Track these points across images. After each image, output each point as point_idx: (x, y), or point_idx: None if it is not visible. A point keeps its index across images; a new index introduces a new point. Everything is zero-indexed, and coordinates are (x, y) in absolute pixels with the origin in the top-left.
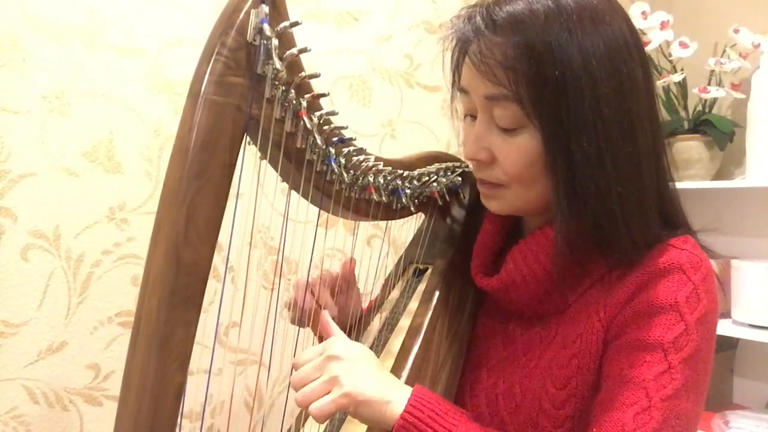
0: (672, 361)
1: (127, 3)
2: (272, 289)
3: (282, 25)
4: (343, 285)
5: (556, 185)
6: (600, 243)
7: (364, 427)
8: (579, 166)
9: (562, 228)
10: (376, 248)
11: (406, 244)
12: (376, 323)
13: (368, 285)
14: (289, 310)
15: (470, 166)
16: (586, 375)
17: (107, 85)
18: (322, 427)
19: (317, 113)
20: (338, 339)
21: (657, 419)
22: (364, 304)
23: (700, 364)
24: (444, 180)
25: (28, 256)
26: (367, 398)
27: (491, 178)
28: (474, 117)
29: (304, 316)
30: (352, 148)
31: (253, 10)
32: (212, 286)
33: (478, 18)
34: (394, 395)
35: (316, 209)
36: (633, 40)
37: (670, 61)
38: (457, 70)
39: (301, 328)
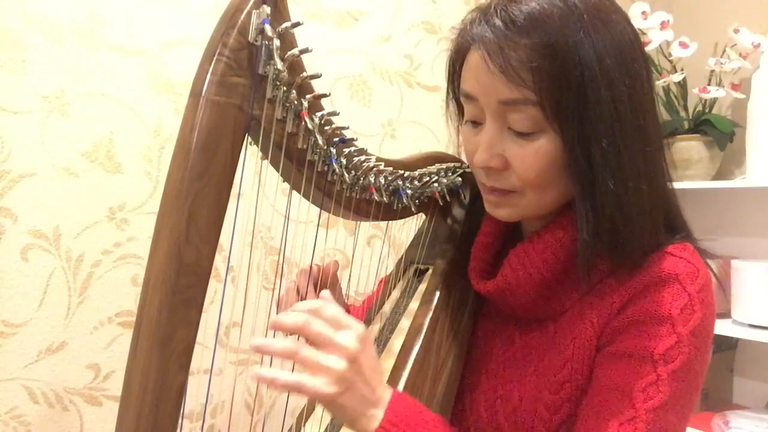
0: (661, 373)
1: (127, 3)
2: (272, 290)
3: (283, 25)
4: (326, 284)
5: (577, 187)
6: (613, 245)
7: None
8: (598, 167)
9: (585, 230)
10: (375, 248)
11: (406, 245)
12: (377, 323)
13: (369, 285)
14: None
15: (477, 173)
16: (580, 380)
17: (107, 85)
18: (323, 427)
19: (318, 114)
20: (362, 334)
21: (641, 430)
22: (356, 303)
23: (690, 376)
24: (445, 180)
25: (28, 256)
26: (346, 410)
27: (505, 185)
28: (476, 123)
29: None
30: (353, 149)
31: (254, 11)
32: (212, 286)
33: (497, 19)
34: (372, 411)
35: (316, 209)
36: (636, 39)
37: (670, 61)
38: (457, 74)
39: None
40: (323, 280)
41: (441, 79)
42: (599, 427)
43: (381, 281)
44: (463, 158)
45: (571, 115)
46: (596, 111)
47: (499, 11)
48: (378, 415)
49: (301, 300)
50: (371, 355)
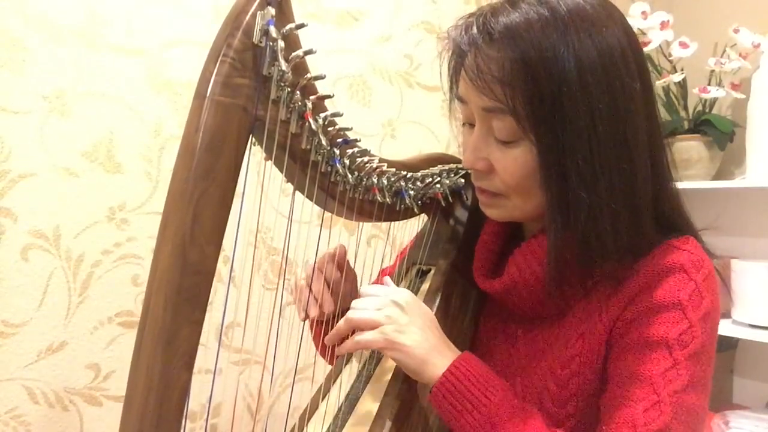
0: (677, 357)
1: (127, 3)
2: (273, 290)
3: (288, 26)
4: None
5: (548, 199)
6: (585, 258)
7: (368, 425)
8: (572, 181)
9: (553, 242)
10: (376, 248)
11: (406, 244)
12: None
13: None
14: (297, 302)
15: (471, 174)
16: (588, 374)
17: (107, 85)
18: (325, 427)
19: (322, 114)
20: (406, 291)
21: (667, 413)
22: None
23: (704, 360)
24: (447, 181)
25: (28, 256)
26: (408, 353)
27: (490, 187)
28: (472, 125)
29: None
30: (356, 150)
31: (259, 12)
32: (213, 286)
33: (475, 29)
34: (437, 358)
35: (317, 209)
36: (631, 48)
37: (670, 61)
38: (454, 78)
39: (301, 326)
40: (339, 266)
41: (441, 79)
42: (624, 415)
43: (381, 272)
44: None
45: (545, 128)
46: (573, 126)
47: (480, 21)
48: (446, 361)
49: (327, 283)
50: (419, 308)
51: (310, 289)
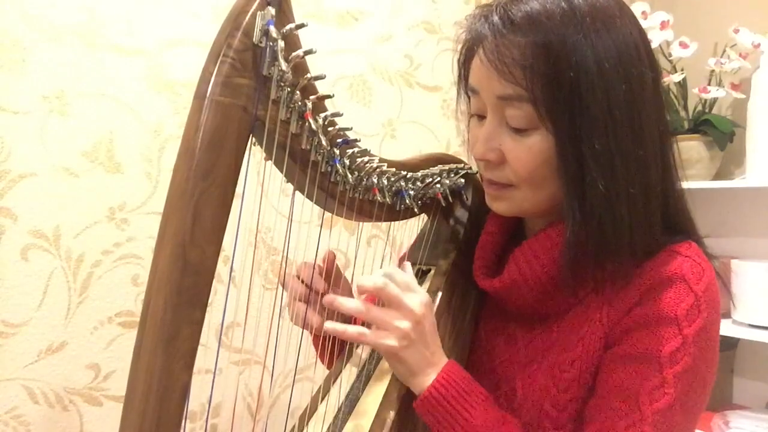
0: (666, 375)
1: (127, 3)
2: (273, 290)
3: (288, 27)
4: (329, 279)
5: (566, 187)
6: (600, 249)
7: (368, 425)
8: (589, 169)
9: (571, 230)
10: (376, 248)
11: (406, 244)
12: None
13: None
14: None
15: (476, 166)
16: (587, 378)
17: (107, 85)
18: (325, 427)
19: (322, 114)
20: (424, 298)
21: None
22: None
23: (697, 377)
24: (447, 182)
25: (28, 256)
26: (406, 366)
27: (501, 178)
28: (481, 117)
29: (302, 310)
30: (356, 150)
31: (259, 12)
32: (212, 286)
33: (496, 17)
34: (427, 371)
35: (317, 209)
36: (643, 43)
37: (670, 61)
38: (465, 67)
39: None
40: (328, 272)
41: (441, 79)
42: (606, 429)
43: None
44: (466, 158)
45: (563, 115)
46: (590, 113)
47: (499, 9)
48: (433, 374)
49: (308, 289)
50: (432, 320)
51: (307, 303)
